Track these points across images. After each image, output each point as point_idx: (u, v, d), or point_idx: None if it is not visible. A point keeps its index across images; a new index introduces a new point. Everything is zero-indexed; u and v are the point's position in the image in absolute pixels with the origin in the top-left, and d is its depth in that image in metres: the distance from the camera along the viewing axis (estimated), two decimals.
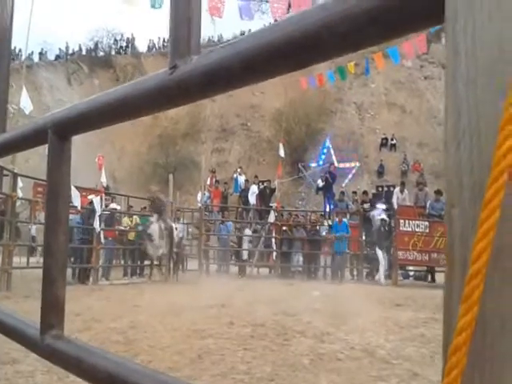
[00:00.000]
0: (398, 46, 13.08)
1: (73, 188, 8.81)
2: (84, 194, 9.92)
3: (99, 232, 9.71)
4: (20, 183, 8.51)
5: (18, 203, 7.89)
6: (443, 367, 0.36)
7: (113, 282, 9.26)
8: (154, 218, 9.99)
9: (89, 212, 9.76)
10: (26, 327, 1.00)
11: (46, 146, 0.97)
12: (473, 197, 0.37)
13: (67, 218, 1.03)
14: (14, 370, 3.18)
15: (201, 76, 0.64)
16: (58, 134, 0.96)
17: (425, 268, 11.77)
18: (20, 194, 8.40)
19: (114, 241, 11.24)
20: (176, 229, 10.70)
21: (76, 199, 9.16)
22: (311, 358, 3.76)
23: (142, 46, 39.28)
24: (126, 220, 11.84)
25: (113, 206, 11.90)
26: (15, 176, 8.14)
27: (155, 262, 10.58)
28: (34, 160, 16.46)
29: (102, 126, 0.91)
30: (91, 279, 9.18)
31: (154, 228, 9.84)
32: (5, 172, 8.00)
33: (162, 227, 9.93)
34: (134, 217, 11.93)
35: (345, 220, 12.48)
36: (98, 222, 9.57)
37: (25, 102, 10.55)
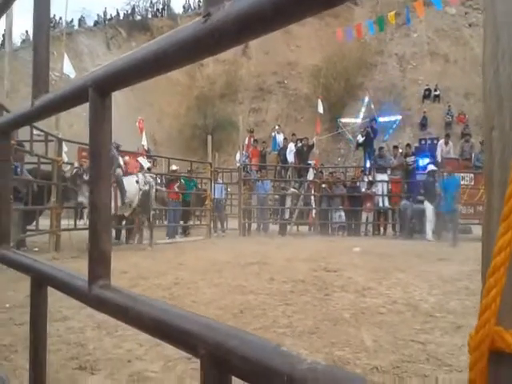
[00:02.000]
0: None
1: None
2: (127, 158, 10.10)
3: None
4: (65, 148, 8.77)
5: (67, 168, 8.13)
6: (482, 289, 0.35)
7: (156, 241, 9.55)
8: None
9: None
10: (75, 279, 1.05)
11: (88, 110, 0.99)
12: None
13: (109, 174, 1.05)
14: (65, 326, 3.34)
15: (235, 22, 0.62)
16: (98, 91, 0.97)
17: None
18: (65, 158, 8.67)
19: (177, 202, 11.52)
20: (137, 182, 8.71)
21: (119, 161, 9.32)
22: (352, 312, 3.80)
23: (177, 8, 39.09)
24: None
25: (173, 167, 12.13)
26: (60, 141, 8.38)
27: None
28: (79, 125, 16.88)
29: (139, 81, 0.92)
30: (136, 239, 9.50)
31: None
32: (50, 137, 8.24)
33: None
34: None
35: (456, 175, 11.02)
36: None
37: (68, 67, 10.75)
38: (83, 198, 7.77)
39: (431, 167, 11.61)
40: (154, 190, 9.25)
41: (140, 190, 8.70)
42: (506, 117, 0.37)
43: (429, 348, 2.96)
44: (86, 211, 8.10)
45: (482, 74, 0.38)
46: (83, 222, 9.06)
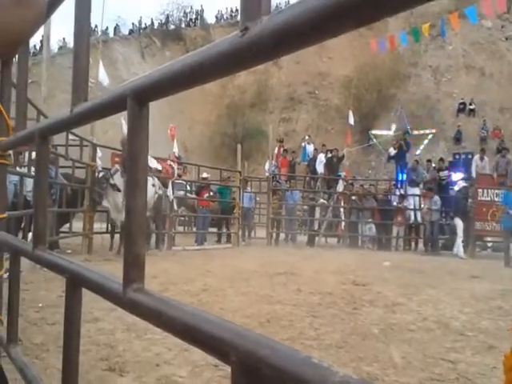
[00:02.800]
0: (476, 6, 12.20)
1: (149, 157, 9.15)
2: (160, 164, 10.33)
3: (173, 200, 10.08)
4: (99, 153, 8.97)
5: (103, 173, 8.26)
6: None
7: (185, 247, 9.63)
8: (119, 169, 7.93)
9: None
10: (110, 282, 1.07)
11: (122, 119, 1.02)
12: None
13: (146, 180, 1.08)
14: (96, 327, 3.39)
15: (272, 36, 0.63)
16: (136, 101, 1.00)
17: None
18: (99, 163, 8.87)
19: (208, 210, 11.57)
20: (153, 185, 8.54)
21: (153, 164, 9.65)
22: (381, 327, 3.74)
23: (210, 18, 39.67)
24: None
25: (204, 175, 12.26)
26: (94, 146, 8.58)
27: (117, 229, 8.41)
28: (113, 131, 17.24)
29: (176, 92, 0.95)
30: (165, 245, 9.60)
31: (120, 180, 7.65)
32: (84, 143, 8.45)
33: None
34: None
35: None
36: (171, 191, 9.93)
37: (102, 75, 11.03)
38: (107, 202, 8.00)
39: (462, 184, 11.41)
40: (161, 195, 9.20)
41: (156, 193, 8.64)
42: None
43: (459, 367, 2.88)
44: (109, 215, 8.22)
45: None
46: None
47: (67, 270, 1.36)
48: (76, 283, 1.33)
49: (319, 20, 0.56)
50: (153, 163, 9.74)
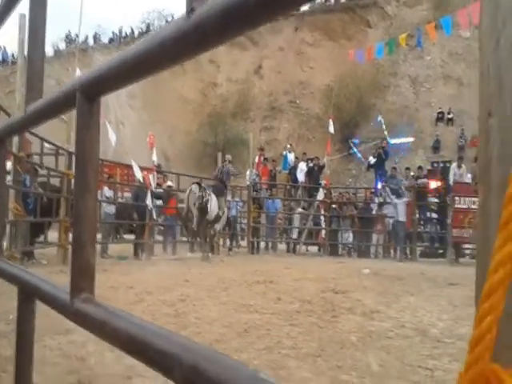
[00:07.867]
0: (453, 16, 12.43)
1: (133, 163, 9.90)
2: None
3: (151, 209, 9.96)
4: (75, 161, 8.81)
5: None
6: (475, 315, 0.29)
7: (164, 257, 9.49)
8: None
9: (140, 190, 10.14)
10: (59, 292, 1.00)
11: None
12: None
13: (96, 183, 1.01)
14: (67, 339, 3.26)
15: (218, 16, 0.59)
16: (85, 96, 0.94)
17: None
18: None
19: (175, 217, 11.49)
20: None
21: (138, 173, 10.04)
22: (360, 335, 3.70)
23: None
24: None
25: (168, 183, 12.18)
26: (70, 154, 8.42)
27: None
28: None
29: (127, 84, 0.89)
30: (144, 254, 9.45)
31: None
32: (60, 151, 8.29)
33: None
34: None
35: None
36: (150, 200, 9.81)
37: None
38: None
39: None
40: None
41: None
42: (506, 100, 0.30)
43: (436, 374, 2.86)
44: None
45: (479, 52, 0.32)
46: None
47: (19, 279, 1.29)
48: (28, 293, 1.25)
49: None
50: (139, 175, 9.81)
